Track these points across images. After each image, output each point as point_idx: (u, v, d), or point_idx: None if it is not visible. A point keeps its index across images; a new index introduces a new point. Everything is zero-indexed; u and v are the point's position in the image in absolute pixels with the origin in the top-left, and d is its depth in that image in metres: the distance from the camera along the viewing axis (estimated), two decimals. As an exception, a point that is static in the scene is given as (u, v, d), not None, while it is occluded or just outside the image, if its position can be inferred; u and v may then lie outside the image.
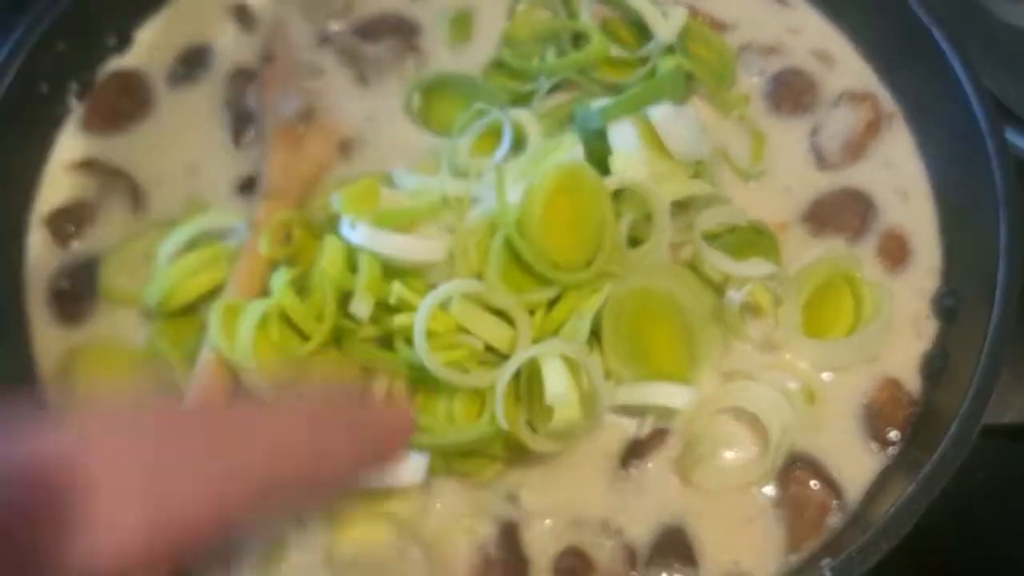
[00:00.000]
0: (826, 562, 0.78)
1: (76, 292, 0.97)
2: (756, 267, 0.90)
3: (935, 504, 0.79)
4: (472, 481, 0.87)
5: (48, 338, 0.95)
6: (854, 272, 0.95)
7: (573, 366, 0.82)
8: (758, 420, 0.88)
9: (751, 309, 0.92)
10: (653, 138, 0.90)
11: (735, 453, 0.88)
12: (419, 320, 0.80)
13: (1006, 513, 1.01)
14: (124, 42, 1.09)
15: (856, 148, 1.04)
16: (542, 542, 0.85)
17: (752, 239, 0.93)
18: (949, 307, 0.95)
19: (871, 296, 0.94)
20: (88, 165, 1.03)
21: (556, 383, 0.80)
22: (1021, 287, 0.87)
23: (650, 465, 0.88)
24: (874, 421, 0.90)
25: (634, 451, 0.88)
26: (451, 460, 0.85)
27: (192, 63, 1.08)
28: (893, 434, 0.90)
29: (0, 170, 0.98)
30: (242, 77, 1.07)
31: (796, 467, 0.88)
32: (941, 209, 1.01)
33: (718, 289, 0.90)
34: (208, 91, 1.07)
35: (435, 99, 1.05)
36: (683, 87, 0.99)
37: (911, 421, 0.90)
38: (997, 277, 0.88)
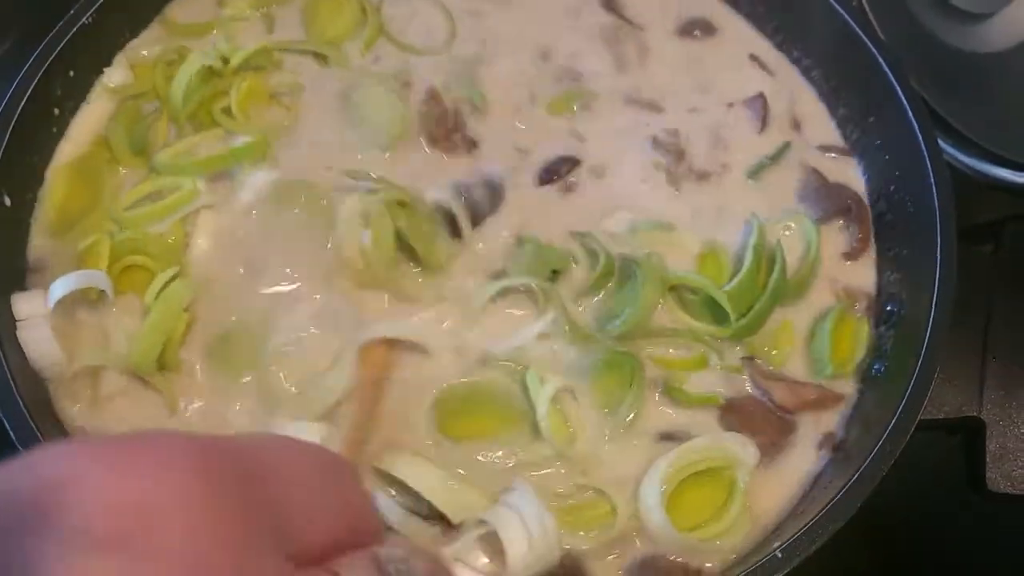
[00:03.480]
0: (776, 544, 0.82)
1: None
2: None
3: (881, 495, 0.83)
4: None
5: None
6: (737, 474, 0.89)
7: None
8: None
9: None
10: None
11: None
12: None
13: (943, 501, 1.06)
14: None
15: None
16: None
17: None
18: (891, 312, 1.00)
19: (739, 504, 0.88)
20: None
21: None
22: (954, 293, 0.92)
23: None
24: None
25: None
26: None
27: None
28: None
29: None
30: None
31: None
32: (877, 220, 1.06)
33: None
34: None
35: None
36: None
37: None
38: (935, 283, 0.92)
